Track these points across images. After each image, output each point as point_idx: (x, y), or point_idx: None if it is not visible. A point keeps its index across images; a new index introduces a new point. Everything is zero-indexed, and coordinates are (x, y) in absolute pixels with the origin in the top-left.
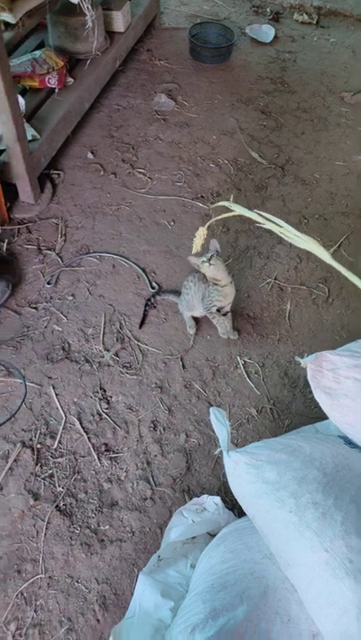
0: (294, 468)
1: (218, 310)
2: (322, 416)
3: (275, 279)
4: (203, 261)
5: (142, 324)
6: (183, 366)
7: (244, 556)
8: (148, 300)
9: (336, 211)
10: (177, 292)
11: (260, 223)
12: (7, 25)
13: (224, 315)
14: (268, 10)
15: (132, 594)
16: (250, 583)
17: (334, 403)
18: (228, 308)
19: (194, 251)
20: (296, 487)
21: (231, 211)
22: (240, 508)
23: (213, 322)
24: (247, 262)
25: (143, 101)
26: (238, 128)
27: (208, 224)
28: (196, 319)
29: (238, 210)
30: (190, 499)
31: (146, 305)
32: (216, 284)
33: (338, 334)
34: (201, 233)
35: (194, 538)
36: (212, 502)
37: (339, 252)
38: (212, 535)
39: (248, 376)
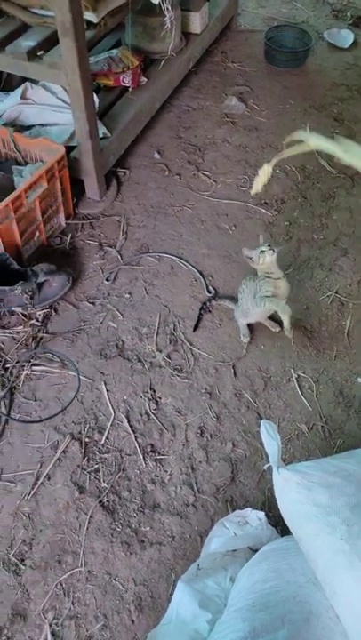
0: (348, 494)
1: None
2: None
3: (336, 293)
4: (262, 250)
5: (196, 327)
6: (235, 374)
7: (288, 578)
8: (204, 303)
9: None
10: (233, 299)
11: (340, 158)
12: (89, 24)
13: (283, 314)
14: (348, 14)
15: (169, 599)
16: (292, 607)
17: None
18: (284, 306)
19: (253, 190)
20: (349, 514)
21: (305, 146)
22: (284, 525)
23: (276, 309)
24: (308, 273)
25: (213, 103)
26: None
27: (275, 160)
28: (250, 327)
29: (315, 141)
30: (233, 510)
31: (201, 308)
32: (268, 277)
33: None
34: (265, 171)
35: (235, 551)
36: (256, 517)
37: None
38: (253, 550)
39: (301, 390)
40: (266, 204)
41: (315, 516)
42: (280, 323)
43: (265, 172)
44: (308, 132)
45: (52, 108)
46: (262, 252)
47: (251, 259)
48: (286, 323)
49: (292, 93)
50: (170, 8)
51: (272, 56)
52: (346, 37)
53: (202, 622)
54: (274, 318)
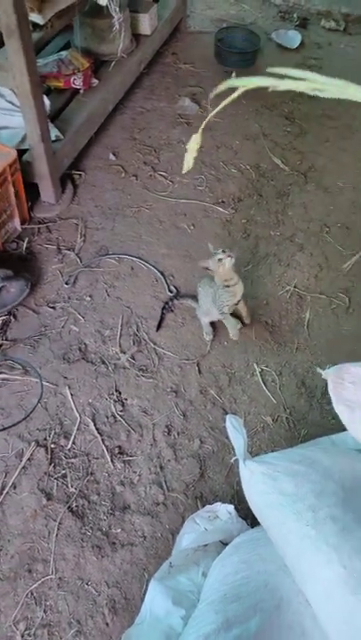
0: (312, 481)
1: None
2: (339, 428)
3: (294, 287)
4: (220, 258)
5: (159, 326)
6: (199, 371)
7: (258, 568)
8: (166, 303)
9: (359, 220)
10: (195, 297)
11: (274, 87)
12: (36, 26)
13: (237, 304)
14: (295, 16)
15: (142, 599)
16: (263, 595)
17: (355, 416)
18: (241, 304)
19: (185, 168)
20: (314, 500)
21: (234, 91)
22: (253, 517)
23: (224, 322)
24: (267, 269)
25: (167, 104)
26: (262, 134)
27: (205, 123)
28: (213, 325)
29: (244, 83)
30: (203, 506)
31: (163, 308)
32: (227, 286)
33: (357, 345)
34: (195, 141)
35: (206, 546)
36: (226, 510)
37: (360, 262)
38: (225, 544)
39: (265, 384)
40: (223, 202)
41: (281, 505)
42: (242, 320)
43: (195, 142)
44: (236, 79)
45: (1, 111)
46: (220, 259)
47: (208, 268)
48: (245, 313)
49: (244, 93)
50: (117, 9)
51: (223, 57)
52: (293, 38)
53: (176, 618)
54: (235, 315)
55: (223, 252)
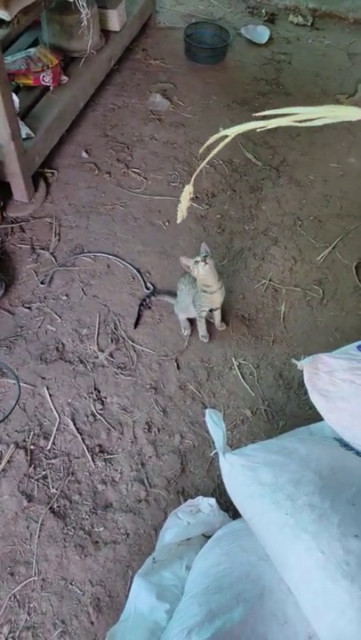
0: (291, 471)
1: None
2: (316, 418)
3: (270, 280)
4: (197, 261)
5: (137, 324)
6: (178, 367)
7: (240, 558)
8: (143, 300)
9: (331, 213)
10: (172, 294)
11: (262, 127)
12: (2, 22)
13: (214, 310)
14: (263, 11)
15: (127, 596)
16: (246, 585)
17: (330, 405)
18: (217, 312)
19: (179, 218)
20: (292, 489)
21: (224, 139)
22: (235, 509)
23: (197, 323)
24: (242, 264)
25: (138, 101)
26: None
27: (196, 174)
28: (190, 321)
29: (235, 130)
30: (185, 500)
31: (141, 305)
32: (205, 291)
33: (332, 336)
34: (187, 192)
35: (189, 540)
36: (207, 504)
37: (333, 254)
38: (207, 537)
39: (243, 377)
40: (197, 198)
41: (261, 495)
42: (226, 321)
43: (187, 194)
44: (225, 129)
45: None
46: (196, 262)
47: (189, 267)
48: (217, 322)
49: (215, 89)
50: (85, 5)
51: (193, 53)
52: (262, 33)
53: (160, 613)
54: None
55: (205, 257)
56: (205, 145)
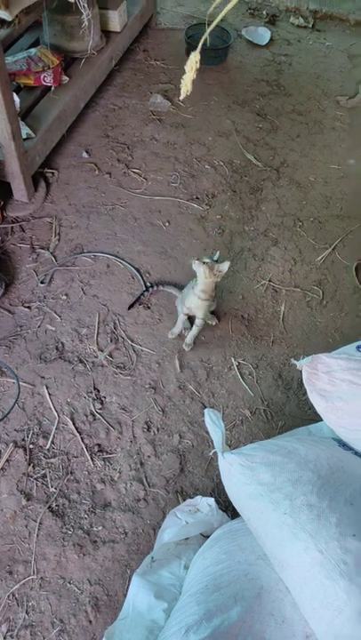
0: (289, 470)
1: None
2: (315, 418)
3: (269, 281)
4: (205, 262)
5: (131, 306)
6: (177, 367)
7: (238, 558)
8: (149, 287)
9: (331, 214)
10: (178, 286)
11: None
12: (3, 22)
13: (194, 325)
14: (264, 12)
15: (125, 595)
16: (244, 584)
17: (329, 405)
18: (197, 321)
19: (183, 94)
20: (291, 489)
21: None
22: (234, 509)
23: (178, 318)
24: (242, 264)
25: (139, 101)
26: (234, 130)
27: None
28: (191, 321)
29: None
30: (184, 500)
31: (145, 291)
32: (197, 295)
33: (331, 337)
34: (193, 61)
35: (187, 539)
36: (206, 503)
37: (333, 255)
38: (206, 536)
39: (242, 377)
40: (197, 198)
41: (259, 495)
42: (218, 316)
43: (193, 63)
44: None
45: None
46: (205, 262)
47: (205, 266)
48: (189, 341)
49: (216, 90)
50: (86, 6)
51: None
52: (263, 35)
53: (158, 612)
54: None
55: (215, 261)
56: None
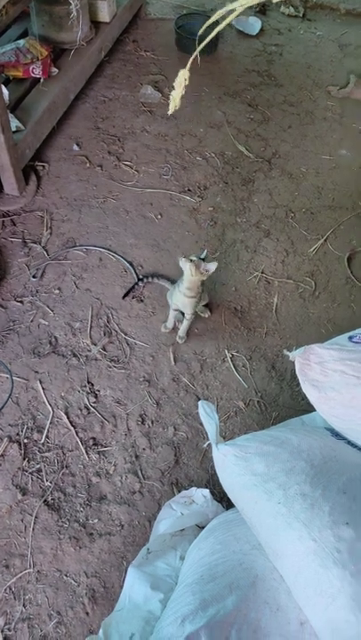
0: (283, 460)
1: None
2: (308, 409)
3: (262, 273)
4: (192, 259)
5: (126, 295)
6: (171, 360)
7: (233, 548)
8: (142, 278)
9: (323, 204)
10: (171, 281)
11: None
12: None
13: (185, 319)
14: None
15: (122, 587)
16: (239, 574)
17: (322, 395)
18: (187, 316)
19: (171, 109)
20: (284, 479)
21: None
22: (228, 500)
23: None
24: (234, 256)
25: (129, 93)
26: (225, 121)
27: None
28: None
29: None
30: (179, 491)
31: (139, 280)
32: (182, 292)
33: (324, 327)
34: (182, 77)
35: (183, 530)
36: (201, 495)
37: (325, 246)
38: (201, 527)
39: (236, 369)
40: (189, 190)
41: (253, 485)
42: (211, 308)
43: (182, 79)
44: None
45: None
46: (191, 260)
47: (191, 265)
48: (182, 333)
49: (207, 81)
50: None
51: (183, 44)
52: (254, 25)
53: (154, 603)
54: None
55: (200, 258)
56: None
